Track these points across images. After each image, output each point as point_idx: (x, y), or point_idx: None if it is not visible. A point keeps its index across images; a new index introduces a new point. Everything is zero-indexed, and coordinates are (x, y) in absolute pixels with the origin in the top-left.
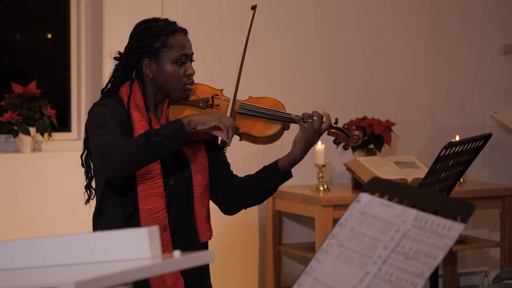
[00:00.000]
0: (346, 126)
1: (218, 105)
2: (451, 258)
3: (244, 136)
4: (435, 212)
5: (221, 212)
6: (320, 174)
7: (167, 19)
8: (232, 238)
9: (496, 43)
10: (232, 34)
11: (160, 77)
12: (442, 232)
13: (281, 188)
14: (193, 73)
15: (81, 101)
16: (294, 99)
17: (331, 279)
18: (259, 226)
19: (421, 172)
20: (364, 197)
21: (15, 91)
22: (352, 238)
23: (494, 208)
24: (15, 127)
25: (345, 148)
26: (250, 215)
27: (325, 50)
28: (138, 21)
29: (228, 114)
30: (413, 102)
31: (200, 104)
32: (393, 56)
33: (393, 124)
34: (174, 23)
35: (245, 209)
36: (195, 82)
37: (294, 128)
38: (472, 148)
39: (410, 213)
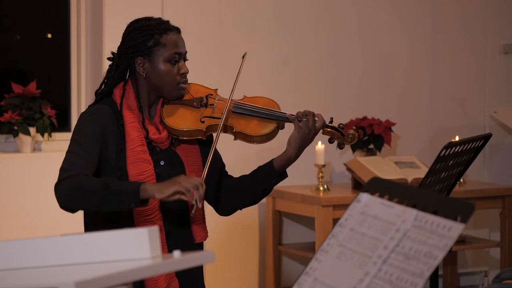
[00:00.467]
0: (341, 125)
1: (213, 105)
2: (451, 258)
3: (238, 135)
4: (435, 212)
5: None
6: (320, 174)
7: (160, 18)
8: (232, 238)
9: (496, 43)
10: (232, 34)
11: (154, 76)
12: (442, 232)
13: (281, 188)
14: (187, 72)
15: (81, 101)
16: (294, 99)
17: (331, 279)
18: (259, 226)
19: (421, 172)
20: (364, 197)
21: (15, 91)
22: (352, 238)
23: (494, 208)
24: (15, 127)
25: (340, 147)
26: (250, 215)
27: (325, 50)
28: None
29: (224, 114)
30: (413, 102)
31: (194, 103)
32: (393, 56)
33: (393, 124)
34: (167, 22)
35: (240, 209)
36: (189, 81)
37: (290, 127)
38: (472, 148)
39: (410, 213)
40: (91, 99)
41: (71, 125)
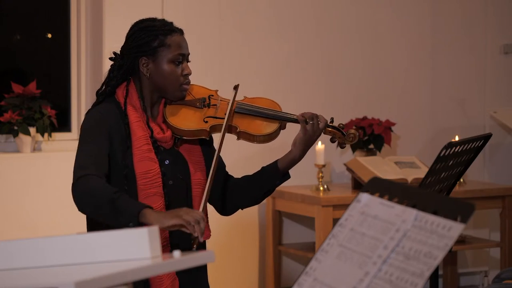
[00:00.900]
0: (341, 125)
1: (215, 105)
2: (451, 258)
3: (241, 135)
4: (435, 212)
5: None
6: (320, 174)
7: (164, 19)
8: (232, 238)
9: (496, 43)
10: (232, 35)
11: (157, 76)
12: (442, 232)
13: (281, 188)
14: (190, 73)
15: (81, 101)
16: (294, 99)
17: (331, 279)
18: (259, 226)
19: (421, 172)
20: (364, 197)
21: (15, 91)
22: (352, 238)
23: (494, 208)
24: (15, 127)
25: (341, 146)
26: (250, 215)
27: (325, 50)
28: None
29: (226, 115)
30: (413, 102)
31: (197, 104)
32: (393, 56)
33: (393, 124)
34: (171, 23)
35: (242, 209)
36: (197, 82)
37: (290, 127)
38: (472, 148)
39: (410, 213)
40: (91, 99)
41: (71, 125)
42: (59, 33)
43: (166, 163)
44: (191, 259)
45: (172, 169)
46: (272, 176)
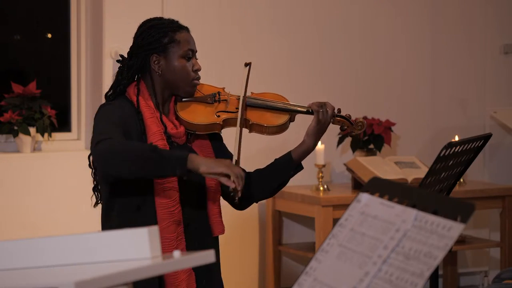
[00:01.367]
0: (348, 114)
1: (226, 100)
2: (451, 258)
3: (254, 127)
4: (435, 212)
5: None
6: (320, 174)
7: (170, 18)
8: (232, 238)
9: (496, 43)
10: (232, 34)
11: (169, 73)
12: (442, 232)
13: None
14: (200, 69)
15: (81, 101)
16: (293, 99)
17: (331, 279)
18: (259, 226)
19: (421, 172)
20: (364, 197)
21: (15, 91)
22: (352, 238)
23: (494, 208)
24: (15, 127)
25: (351, 135)
26: (250, 215)
27: (325, 50)
28: (138, 21)
29: (240, 109)
30: (413, 102)
31: (208, 99)
32: (393, 56)
33: (393, 124)
34: (177, 21)
35: (256, 203)
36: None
37: (299, 119)
38: (472, 148)
39: (410, 213)
40: (91, 99)
41: (71, 125)
42: (59, 33)
43: None
44: (191, 259)
45: None
46: (286, 167)
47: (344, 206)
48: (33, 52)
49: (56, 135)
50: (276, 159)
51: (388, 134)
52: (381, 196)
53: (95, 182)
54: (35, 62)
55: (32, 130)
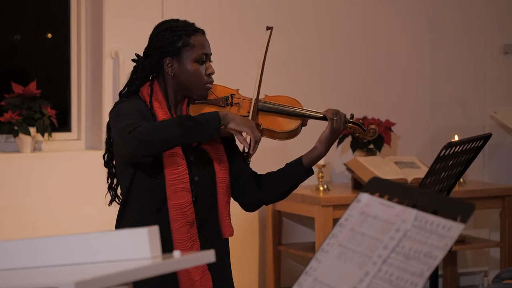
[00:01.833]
0: (361, 121)
1: (238, 103)
2: (451, 258)
3: (265, 132)
4: (435, 212)
5: None
6: (320, 174)
7: (186, 20)
8: (232, 238)
9: (496, 43)
10: (233, 35)
11: (182, 76)
12: (442, 232)
13: None
14: (213, 73)
15: (81, 101)
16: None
17: (331, 279)
18: (259, 226)
19: (421, 172)
20: (364, 197)
21: (15, 91)
22: (352, 238)
23: (494, 208)
24: (15, 127)
25: (362, 141)
26: (250, 215)
27: (325, 50)
28: (138, 21)
29: (251, 112)
30: (413, 102)
31: (220, 102)
32: (393, 56)
33: (393, 124)
34: (193, 24)
35: (266, 205)
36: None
37: (311, 124)
38: (472, 148)
39: (410, 213)
40: (91, 99)
41: (71, 125)
42: (59, 33)
43: (191, 159)
44: (191, 259)
45: (197, 165)
46: (296, 173)
47: (344, 206)
48: (33, 52)
49: (56, 135)
50: (287, 164)
51: (388, 134)
52: (381, 196)
53: (109, 181)
54: (35, 62)
55: (32, 130)
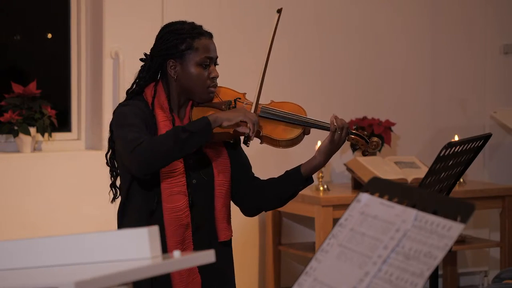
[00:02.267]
0: (366, 133)
1: None
2: (451, 258)
3: (265, 139)
4: (435, 212)
5: None
6: (320, 174)
7: (193, 22)
8: (232, 238)
9: (496, 43)
10: (232, 34)
11: (184, 79)
12: (442, 232)
13: None
14: (217, 76)
15: (81, 101)
16: (293, 99)
17: (331, 279)
18: (259, 226)
19: (421, 172)
20: (364, 197)
21: (15, 91)
22: (352, 238)
23: (494, 208)
24: (15, 127)
25: (364, 154)
26: None
27: (325, 50)
28: (138, 21)
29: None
30: (413, 102)
31: (223, 106)
32: (393, 56)
33: (393, 124)
34: (200, 26)
35: (265, 211)
36: (218, 85)
37: (314, 133)
38: (472, 148)
39: (410, 213)
40: (91, 99)
41: (71, 125)
42: (59, 33)
43: (190, 162)
44: (191, 259)
45: (196, 169)
46: (295, 181)
47: (344, 206)
48: (33, 52)
49: (56, 135)
50: (286, 171)
51: (388, 134)
52: (381, 196)
53: (112, 179)
54: (35, 62)
55: (32, 130)
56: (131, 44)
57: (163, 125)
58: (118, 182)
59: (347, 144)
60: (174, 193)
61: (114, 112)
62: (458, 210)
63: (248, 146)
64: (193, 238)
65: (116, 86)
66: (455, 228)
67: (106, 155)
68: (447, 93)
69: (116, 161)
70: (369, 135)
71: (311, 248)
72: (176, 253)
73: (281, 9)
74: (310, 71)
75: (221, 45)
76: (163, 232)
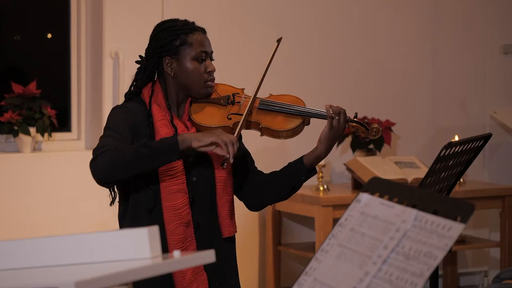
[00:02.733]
0: (366, 120)
1: (239, 102)
2: (451, 258)
3: (265, 131)
4: (435, 212)
5: None
6: (320, 174)
7: (185, 19)
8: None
9: (496, 43)
10: (232, 34)
11: (181, 75)
12: (442, 232)
13: None
14: (213, 70)
15: (81, 101)
16: None
17: (331, 279)
18: (259, 226)
19: (421, 172)
20: (364, 197)
21: (15, 91)
22: (352, 238)
23: (494, 208)
24: (15, 127)
25: (364, 141)
26: (250, 215)
27: (325, 50)
28: (138, 21)
29: (247, 109)
30: (413, 102)
31: (222, 101)
32: (393, 56)
33: (393, 124)
34: (193, 22)
35: (270, 205)
36: (216, 81)
37: (314, 123)
38: (472, 148)
39: (410, 213)
40: (91, 99)
41: (71, 125)
42: (59, 33)
43: (190, 160)
44: (191, 259)
45: (196, 166)
46: (297, 172)
47: (344, 206)
48: (33, 52)
49: (56, 135)
50: (289, 163)
51: (388, 134)
52: (381, 196)
53: None
54: (35, 62)
55: (32, 130)
56: (131, 44)
57: (161, 124)
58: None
59: (347, 144)
60: (173, 191)
61: (111, 110)
62: (458, 210)
63: (223, 168)
64: (195, 236)
65: (116, 86)
66: (455, 228)
67: None
68: (447, 93)
69: None
70: (368, 122)
71: (311, 248)
72: (176, 253)
73: (280, 38)
74: (310, 71)
75: (221, 45)
76: (163, 231)
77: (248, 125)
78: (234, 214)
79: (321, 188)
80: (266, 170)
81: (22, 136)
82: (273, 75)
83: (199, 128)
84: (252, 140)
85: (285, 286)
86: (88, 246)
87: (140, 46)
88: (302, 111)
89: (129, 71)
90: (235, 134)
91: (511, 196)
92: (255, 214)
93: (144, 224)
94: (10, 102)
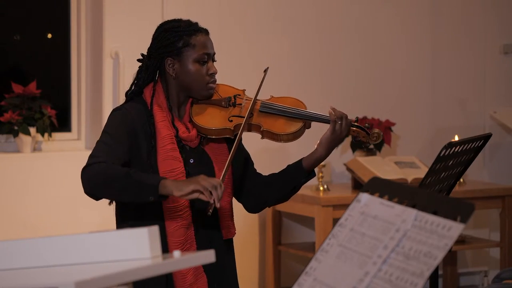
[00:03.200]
0: (367, 124)
1: (241, 104)
2: (451, 258)
3: (265, 134)
4: (435, 212)
5: None
6: (320, 174)
7: (189, 20)
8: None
9: (496, 43)
10: (232, 34)
11: (183, 76)
12: (442, 232)
13: None
14: (215, 72)
15: (81, 101)
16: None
17: (331, 279)
18: (259, 226)
19: (421, 172)
20: (364, 197)
21: (15, 91)
22: (352, 238)
23: (494, 208)
24: (15, 127)
25: (365, 146)
26: (250, 215)
27: (325, 50)
28: (138, 21)
29: (248, 113)
30: (413, 102)
31: (223, 103)
32: (393, 55)
33: (393, 124)
34: (196, 23)
35: (269, 207)
36: (217, 82)
37: (315, 126)
38: (472, 148)
39: (410, 213)
40: (91, 99)
41: (71, 125)
42: (59, 33)
43: (190, 162)
44: (191, 259)
45: (196, 168)
46: (296, 174)
47: (344, 206)
48: (33, 52)
49: (56, 135)
50: (288, 165)
51: (388, 134)
52: (381, 196)
53: None
54: (35, 62)
55: (32, 130)
56: (131, 44)
57: (162, 125)
58: None
59: (347, 144)
60: None
61: (111, 112)
62: (458, 210)
63: (209, 214)
64: (196, 238)
65: (116, 86)
66: (455, 228)
67: None
68: (447, 93)
69: None
70: (370, 126)
71: (311, 248)
72: (176, 253)
73: (267, 68)
74: (310, 71)
75: (221, 45)
76: (164, 233)
77: (249, 127)
78: (233, 216)
79: (321, 188)
80: (266, 171)
81: (22, 136)
82: (273, 75)
83: (199, 130)
84: (252, 141)
85: (285, 286)
86: (88, 246)
87: (140, 46)
88: (305, 114)
89: (129, 71)
90: (235, 143)
91: (511, 196)
92: (255, 214)
93: (144, 225)
94: (10, 102)
